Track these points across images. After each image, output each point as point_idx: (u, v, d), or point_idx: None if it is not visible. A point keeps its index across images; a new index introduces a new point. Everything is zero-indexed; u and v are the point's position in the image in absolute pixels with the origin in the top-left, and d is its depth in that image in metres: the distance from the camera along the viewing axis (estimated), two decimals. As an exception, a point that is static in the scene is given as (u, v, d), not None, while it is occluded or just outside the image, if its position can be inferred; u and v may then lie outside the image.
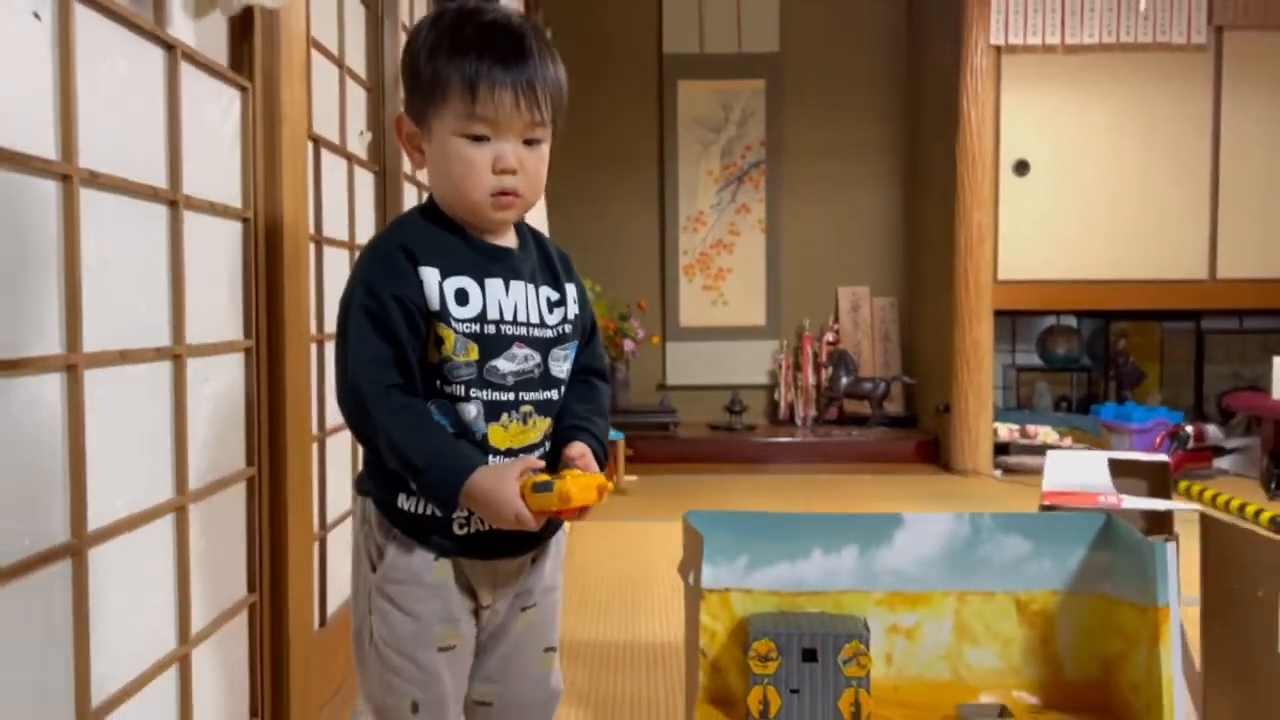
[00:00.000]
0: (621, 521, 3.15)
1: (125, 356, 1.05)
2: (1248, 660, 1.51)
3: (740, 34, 4.86)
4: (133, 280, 1.08)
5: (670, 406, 4.68)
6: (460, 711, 1.11)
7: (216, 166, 1.28)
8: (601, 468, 1.10)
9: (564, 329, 1.10)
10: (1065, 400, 4.73)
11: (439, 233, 1.04)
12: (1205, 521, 1.64)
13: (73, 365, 0.94)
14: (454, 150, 1.01)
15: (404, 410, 0.98)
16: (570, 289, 1.13)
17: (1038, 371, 4.81)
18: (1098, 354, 4.81)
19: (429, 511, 1.02)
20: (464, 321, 1.00)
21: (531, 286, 1.07)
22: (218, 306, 1.29)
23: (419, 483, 0.99)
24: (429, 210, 1.07)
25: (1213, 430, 4.04)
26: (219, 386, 1.28)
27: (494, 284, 1.04)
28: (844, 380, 4.66)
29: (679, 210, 4.91)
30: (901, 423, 4.67)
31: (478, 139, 1.00)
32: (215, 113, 1.27)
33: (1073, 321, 4.86)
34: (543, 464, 1.03)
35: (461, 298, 1.01)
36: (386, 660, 1.04)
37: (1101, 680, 1.67)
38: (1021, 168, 4.04)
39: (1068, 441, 4.06)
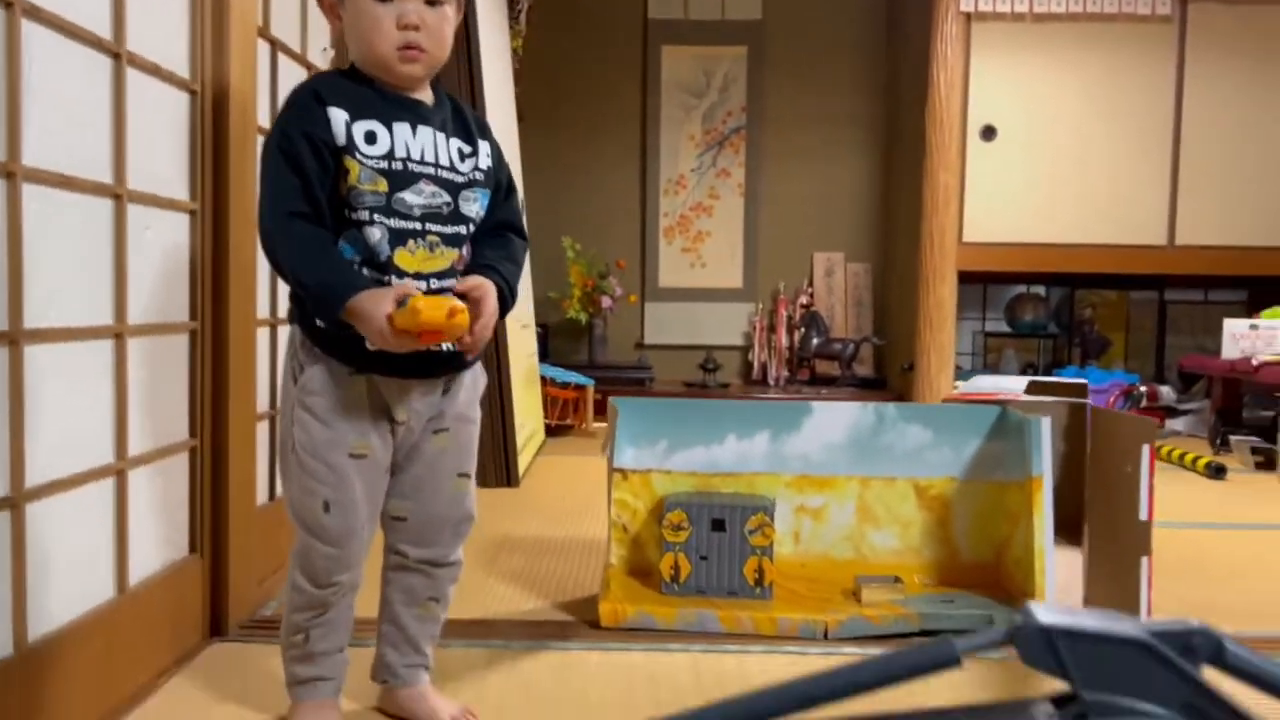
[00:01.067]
0: (588, 457, 3.26)
1: (66, 182, 1.16)
2: (1117, 527, 1.63)
3: (724, 0, 4.96)
4: (76, 121, 1.19)
5: (647, 364, 4.79)
6: (374, 523, 1.22)
7: (164, 34, 1.40)
8: (506, 308, 1.21)
9: (475, 176, 1.22)
10: (1031, 366, 4.84)
11: (353, 85, 1.16)
12: (1093, 411, 1.75)
13: (11, 174, 1.06)
14: (363, 9, 1.13)
15: (304, 236, 1.10)
16: (483, 145, 1.25)
17: (1005, 338, 4.91)
18: (1064, 322, 4.91)
19: (346, 332, 1.14)
20: (372, 159, 1.12)
21: (442, 135, 1.19)
22: (162, 166, 1.41)
23: (310, 300, 1.11)
24: (346, 70, 1.19)
25: (1166, 391, 4.15)
26: (161, 237, 1.40)
27: (401, 127, 1.15)
28: (815, 341, 4.77)
29: (660, 173, 5.02)
30: (870, 383, 4.77)
31: (384, 0, 1.12)
32: (163, -15, 1.39)
33: (1041, 290, 4.96)
34: (417, 289, 1.13)
35: (370, 138, 1.13)
36: (304, 464, 1.16)
37: (994, 562, 1.78)
38: (988, 133, 4.14)
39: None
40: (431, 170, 1.16)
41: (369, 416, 1.17)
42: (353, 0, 1.14)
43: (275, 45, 1.79)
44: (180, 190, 1.46)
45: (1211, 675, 0.39)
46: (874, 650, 1.56)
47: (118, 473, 1.29)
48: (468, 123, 1.24)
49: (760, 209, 5.04)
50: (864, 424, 1.83)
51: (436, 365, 1.19)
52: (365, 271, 1.12)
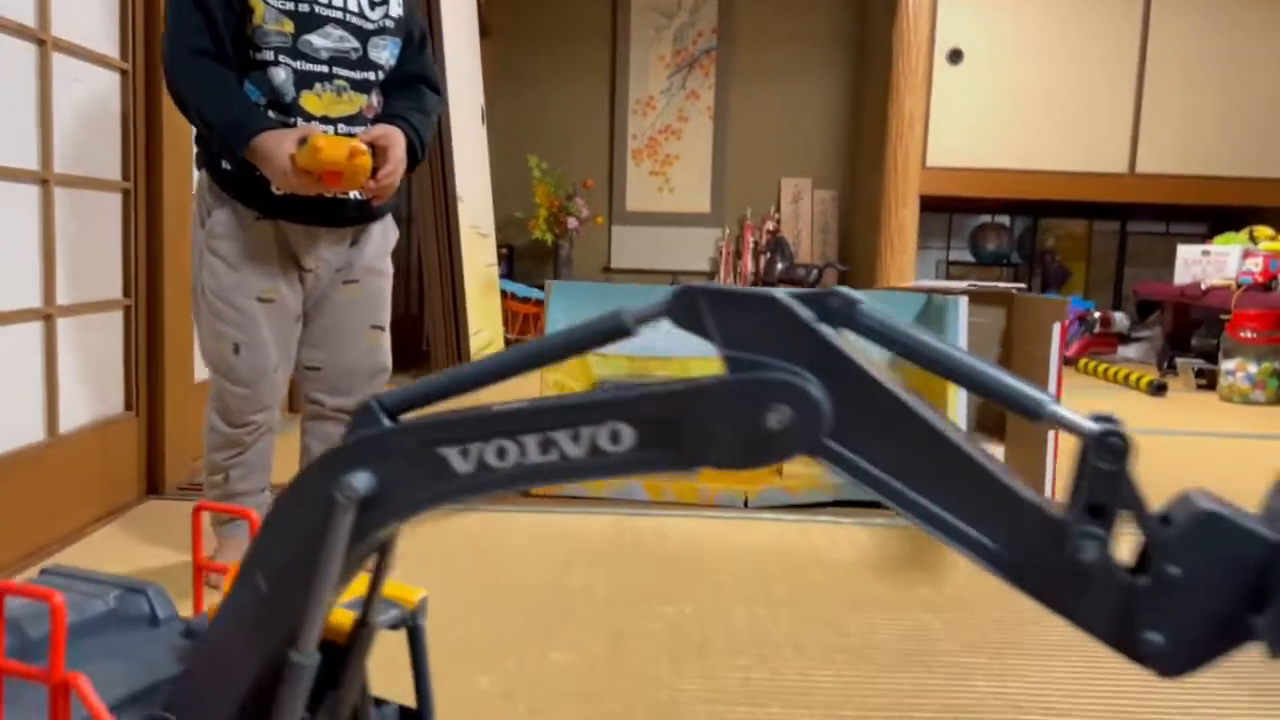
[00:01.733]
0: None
1: (-16, 19, 1.17)
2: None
3: (697, -81, 4.90)
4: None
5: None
6: (287, 367, 1.26)
7: (93, 17, 1.40)
8: (417, 158, 1.23)
9: (385, 24, 1.23)
10: (993, 296, 4.90)
11: None
12: (1014, 300, 1.80)
13: (-75, -1, 1.07)
14: None
15: (207, 73, 1.12)
16: None
17: (968, 266, 4.96)
18: (1027, 252, 4.96)
19: (252, 175, 1.16)
20: (279, 1, 1.13)
21: None
22: (90, 20, 1.41)
23: (213, 138, 1.13)
24: None
25: (1120, 318, 4.22)
26: (91, 91, 1.41)
27: (312, -29, 1.16)
28: (780, 266, 4.81)
29: (629, 93, 4.99)
30: (833, 309, 4.82)
31: None
32: None
33: (1005, 220, 5.00)
34: (322, 131, 1.14)
35: None
36: (213, 308, 1.19)
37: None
38: (955, 56, 4.15)
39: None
40: (340, 15, 1.17)
41: (276, 262, 1.20)
42: None
43: None
44: (110, 48, 1.47)
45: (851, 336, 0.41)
46: (792, 520, 1.63)
47: (45, 317, 1.32)
48: None
49: (729, 133, 5.03)
50: (795, 310, 1.87)
51: (344, 214, 1.21)
52: (271, 114, 1.14)
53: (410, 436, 0.44)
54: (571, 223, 4.67)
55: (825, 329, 0.41)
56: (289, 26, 1.14)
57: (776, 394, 0.39)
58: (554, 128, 4.92)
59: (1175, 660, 0.38)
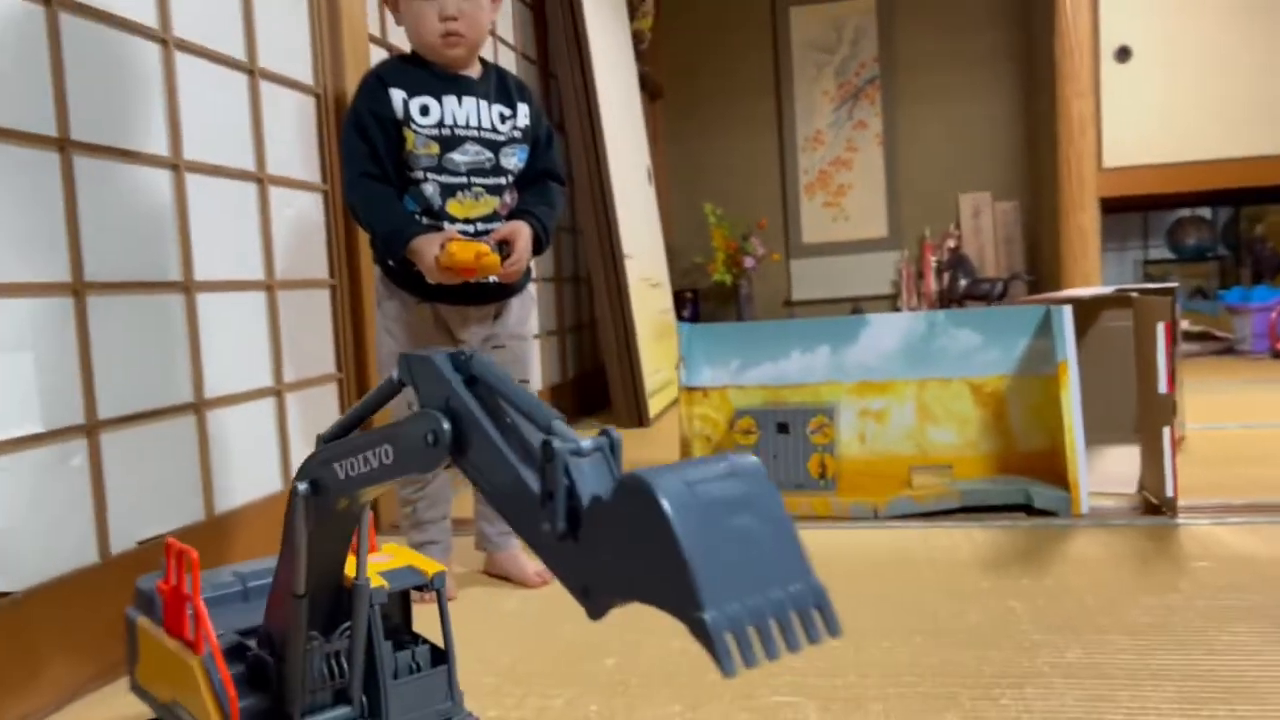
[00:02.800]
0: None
1: (217, 170, 1.55)
2: (1148, 406, 1.73)
3: (849, -44, 5.04)
4: (220, 123, 1.58)
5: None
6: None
7: (288, 49, 1.77)
8: (541, 246, 1.50)
9: (514, 134, 1.51)
10: (1201, 291, 4.66)
11: (411, 68, 1.48)
12: (1135, 302, 1.85)
13: (177, 165, 1.44)
14: (412, 7, 1.44)
15: (374, 192, 1.43)
16: (522, 107, 1.54)
17: (1169, 264, 4.75)
18: (1233, 243, 4.69)
19: (412, 270, 1.45)
20: (425, 128, 1.43)
21: (485, 102, 1.49)
22: (295, 157, 1.78)
23: (380, 243, 1.43)
24: (406, 55, 1.51)
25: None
26: (300, 212, 1.78)
27: (450, 99, 1.46)
28: (963, 282, 4.80)
29: (796, 131, 5.17)
30: (1022, 321, 4.75)
31: None
32: (284, 10, 1.76)
33: (1206, 212, 4.76)
34: (458, 234, 1.42)
35: (424, 111, 1.44)
36: (388, 373, 1.49)
37: (1051, 450, 1.91)
38: (1123, 54, 4.05)
39: (1184, 324, 4.06)
40: (475, 133, 1.46)
41: (436, 337, 1.49)
42: (405, 0, 1.45)
43: (390, 51, 2.15)
44: (313, 175, 1.84)
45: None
46: (917, 527, 1.75)
47: (276, 393, 1.67)
48: (509, 89, 1.53)
49: (900, 156, 5.10)
50: (916, 332, 2.00)
51: (485, 294, 1.49)
52: (425, 220, 1.44)
53: (319, 458, 0.73)
54: (748, 262, 4.88)
55: (457, 383, 0.63)
56: (435, 148, 1.44)
57: (427, 426, 0.63)
58: (726, 175, 5.17)
59: (595, 606, 0.53)
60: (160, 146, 1.43)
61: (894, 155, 5.09)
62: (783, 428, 1.96)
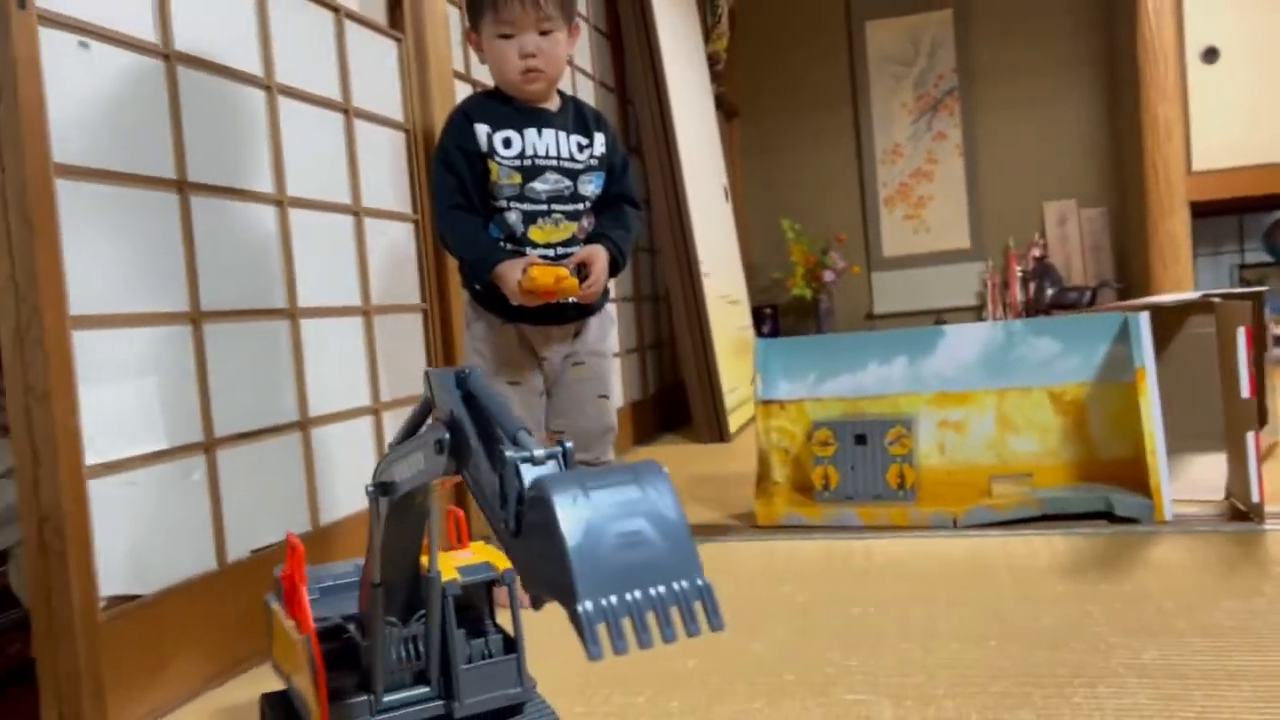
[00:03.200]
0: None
1: (317, 205, 1.66)
2: (1232, 412, 1.72)
3: (924, -31, 5.04)
4: (320, 160, 1.69)
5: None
6: (540, 434, 1.62)
7: (380, 90, 1.89)
8: (617, 268, 1.57)
9: (591, 162, 1.59)
10: (1301, 295, 4.50)
11: (494, 103, 1.57)
12: (1217, 307, 1.84)
13: (281, 201, 1.56)
14: (494, 47, 1.53)
15: (461, 222, 1.52)
16: (598, 136, 1.61)
17: (1266, 268, 4.61)
18: (1336, 243, 4.52)
19: (498, 293, 1.54)
20: (508, 159, 1.52)
21: (563, 133, 1.57)
22: (388, 190, 1.89)
23: (468, 269, 1.52)
24: (489, 90, 1.60)
25: None
26: (393, 241, 1.89)
27: (530, 131, 1.54)
28: (1049, 291, 4.72)
29: (875, 145, 5.17)
30: (1112, 329, 4.65)
31: (506, 36, 1.51)
32: (377, 55, 1.88)
33: (1306, 212, 4.60)
34: (539, 258, 1.50)
35: (506, 144, 1.53)
36: (480, 391, 1.58)
37: (1134, 457, 1.90)
38: (1210, 55, 3.97)
39: (1277, 329, 3.93)
40: (554, 162, 1.54)
41: (520, 354, 1.58)
42: (487, 40, 1.54)
43: (475, 86, 2.26)
44: (404, 206, 1.95)
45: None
46: (997, 535, 1.76)
47: (373, 411, 1.78)
48: (586, 120, 1.61)
49: (981, 167, 5.05)
50: (995, 341, 2.01)
51: (566, 315, 1.57)
52: (508, 246, 1.52)
53: (383, 463, 0.84)
54: (828, 276, 4.88)
55: (455, 398, 0.72)
56: (517, 178, 1.52)
57: (434, 436, 0.72)
58: (804, 190, 5.20)
59: (535, 601, 0.59)
60: (266, 184, 1.55)
61: (975, 165, 5.05)
62: (860, 439, 1.98)
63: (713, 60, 4.31)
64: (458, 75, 2.16)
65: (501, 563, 0.97)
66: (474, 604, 0.95)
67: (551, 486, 0.56)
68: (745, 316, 3.87)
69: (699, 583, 0.58)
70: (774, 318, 5.11)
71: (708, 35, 4.28)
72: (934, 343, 2.04)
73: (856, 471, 1.99)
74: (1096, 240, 4.95)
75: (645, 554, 0.58)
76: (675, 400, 3.53)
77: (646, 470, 0.60)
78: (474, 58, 2.23)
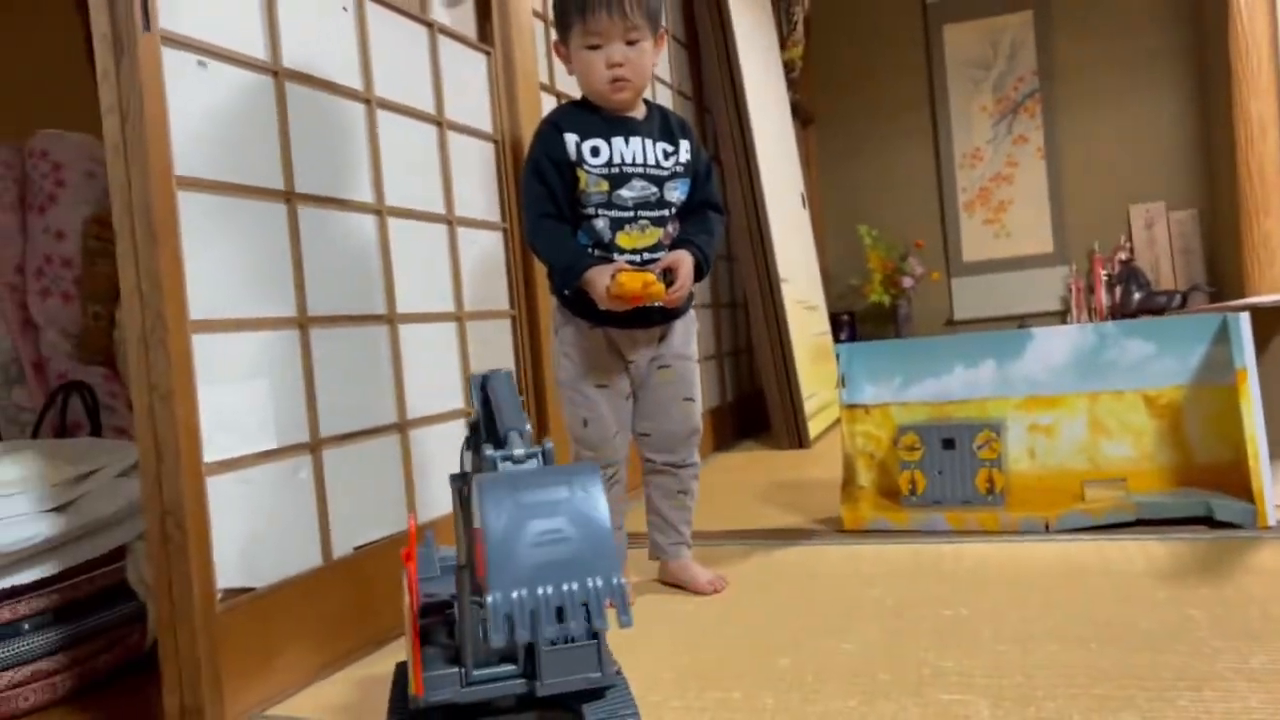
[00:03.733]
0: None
1: (413, 214, 1.72)
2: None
3: (1002, -30, 4.98)
4: (415, 171, 1.75)
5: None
6: (624, 434, 1.65)
7: (471, 102, 1.94)
8: (702, 273, 1.59)
9: (676, 169, 1.61)
10: None
11: (582, 113, 1.60)
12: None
13: (380, 210, 1.62)
14: (581, 57, 1.56)
15: (551, 230, 1.55)
16: (683, 144, 1.64)
17: (1370, 269, 4.42)
18: None
19: (585, 299, 1.57)
20: (596, 167, 1.55)
21: (650, 140, 1.60)
22: (478, 199, 1.95)
23: (557, 276, 1.55)
24: (578, 100, 1.64)
25: None
26: (483, 249, 1.94)
27: (618, 140, 1.57)
28: (1136, 295, 4.61)
29: (954, 149, 5.11)
30: (1204, 334, 4.51)
31: (594, 47, 1.54)
32: (468, 68, 1.93)
33: None
34: (626, 264, 1.52)
35: (595, 152, 1.56)
36: (566, 395, 1.61)
37: (1234, 461, 1.86)
38: (1307, 48, 3.84)
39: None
40: (641, 169, 1.57)
41: (607, 358, 1.60)
42: (575, 50, 1.57)
43: (559, 98, 2.31)
44: (494, 215, 2.00)
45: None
46: (1090, 540, 1.73)
47: (466, 415, 1.82)
48: (671, 127, 1.63)
49: (1064, 170, 4.96)
50: (1086, 344, 1.98)
51: (651, 319, 1.59)
52: (596, 252, 1.55)
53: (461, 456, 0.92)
54: (907, 282, 4.84)
55: (479, 399, 0.85)
56: (605, 186, 1.55)
57: (469, 433, 0.81)
58: (881, 197, 5.16)
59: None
60: (366, 194, 1.61)
61: (1057, 168, 4.96)
62: (948, 443, 1.97)
63: (788, 68, 4.31)
64: (543, 87, 2.21)
65: None
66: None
67: (482, 485, 0.62)
68: (823, 322, 3.85)
69: (615, 581, 0.64)
70: (851, 324, 5.08)
71: (783, 43, 4.28)
72: (1023, 346, 2.02)
73: (944, 476, 1.97)
74: (1186, 243, 4.82)
75: (563, 551, 0.64)
76: (754, 407, 3.53)
77: (580, 472, 0.67)
78: (559, 70, 2.28)
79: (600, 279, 1.49)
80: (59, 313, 2.13)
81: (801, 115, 4.69)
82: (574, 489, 0.65)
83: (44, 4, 2.36)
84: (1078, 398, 1.98)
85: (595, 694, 0.94)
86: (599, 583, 0.64)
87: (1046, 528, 1.81)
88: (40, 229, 2.13)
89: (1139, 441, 1.94)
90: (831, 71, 5.16)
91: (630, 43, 1.54)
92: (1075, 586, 1.48)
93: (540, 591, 0.61)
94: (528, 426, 0.83)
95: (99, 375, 2.11)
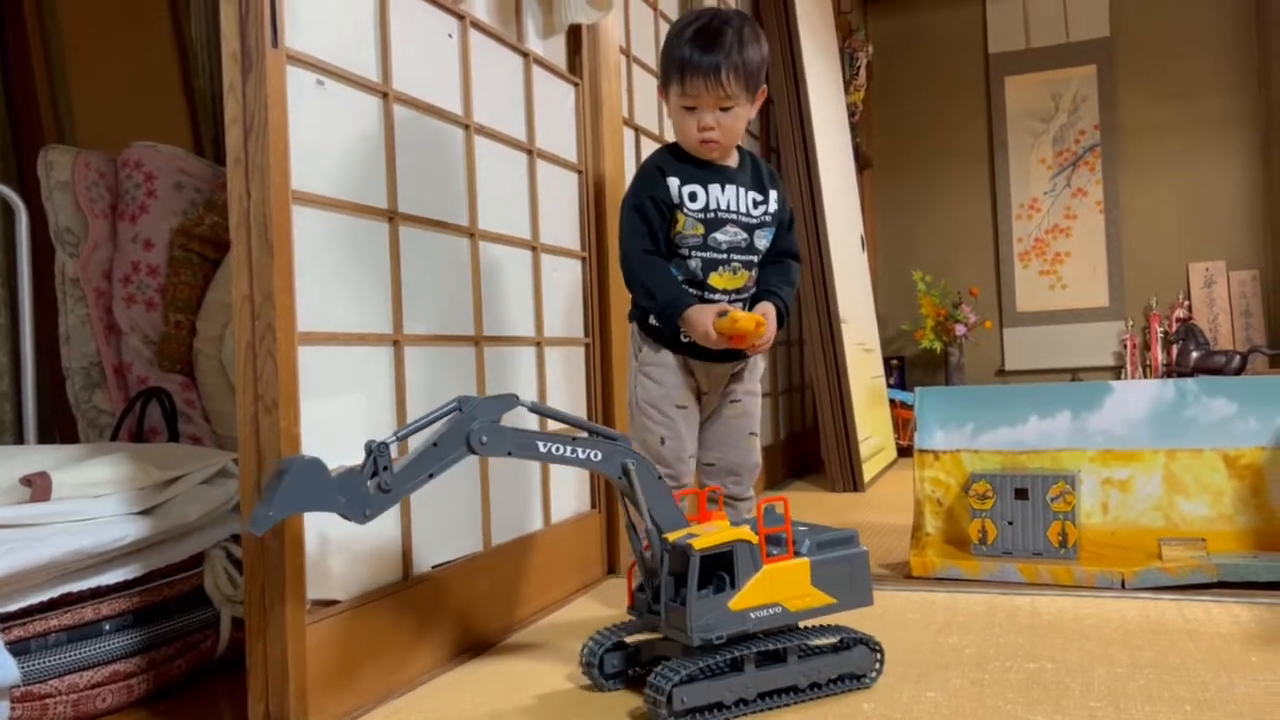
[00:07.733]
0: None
1: (502, 239, 1.74)
2: None
3: (1067, 24, 4.97)
4: (506, 197, 1.77)
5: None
6: (694, 464, 1.66)
7: (559, 133, 1.97)
8: (782, 321, 1.63)
9: (765, 218, 1.64)
10: None
11: (682, 158, 1.62)
12: None
13: (473, 234, 1.64)
14: (678, 116, 1.60)
15: (652, 266, 1.57)
16: (773, 193, 1.66)
17: None
18: None
19: (669, 327, 1.59)
20: (694, 211, 1.58)
21: (743, 189, 1.62)
22: (561, 228, 1.97)
23: (658, 309, 1.57)
24: (674, 146, 1.65)
25: None
26: (564, 277, 1.95)
27: (714, 187, 1.60)
28: (1194, 354, 4.54)
29: (1011, 199, 5.09)
30: (1263, 397, 4.44)
31: (689, 109, 1.57)
32: (558, 98, 1.96)
33: None
34: (729, 307, 1.55)
35: (693, 197, 1.58)
36: (645, 412, 1.63)
37: (1317, 528, 1.82)
38: (1381, 113, 3.80)
39: None
40: (734, 216, 1.60)
41: (685, 383, 1.63)
42: (674, 107, 1.61)
43: (638, 131, 2.34)
44: (575, 244, 2.02)
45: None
46: (1169, 599, 1.70)
47: (540, 440, 1.83)
48: (762, 177, 1.66)
49: (1123, 224, 4.92)
50: (1165, 399, 1.95)
51: (730, 354, 1.62)
52: (691, 290, 1.58)
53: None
54: (959, 329, 4.80)
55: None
56: (700, 229, 1.58)
57: None
58: (936, 243, 5.15)
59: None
60: (461, 217, 1.63)
61: (1116, 223, 4.92)
62: (1021, 493, 1.95)
63: (849, 111, 4.34)
64: (625, 122, 2.24)
65: (744, 536, 1.25)
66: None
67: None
68: (878, 365, 3.83)
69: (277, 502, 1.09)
70: (900, 369, 5.05)
71: (846, 86, 4.31)
72: (1100, 398, 2.00)
73: (1015, 526, 1.95)
74: (1247, 304, 4.75)
75: None
76: (806, 446, 3.51)
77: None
78: (640, 104, 2.32)
79: (703, 317, 1.53)
80: (142, 319, 2.17)
81: (859, 159, 4.70)
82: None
83: (140, 19, 2.44)
84: (1155, 454, 1.96)
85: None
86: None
87: (1123, 584, 1.78)
88: (130, 237, 2.18)
89: (1217, 501, 1.91)
90: (892, 116, 5.18)
91: (724, 109, 1.56)
92: (1162, 646, 1.45)
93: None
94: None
95: (177, 383, 2.14)
